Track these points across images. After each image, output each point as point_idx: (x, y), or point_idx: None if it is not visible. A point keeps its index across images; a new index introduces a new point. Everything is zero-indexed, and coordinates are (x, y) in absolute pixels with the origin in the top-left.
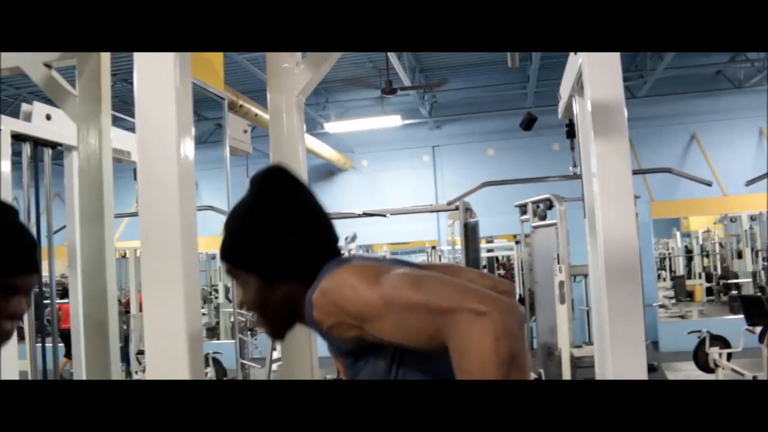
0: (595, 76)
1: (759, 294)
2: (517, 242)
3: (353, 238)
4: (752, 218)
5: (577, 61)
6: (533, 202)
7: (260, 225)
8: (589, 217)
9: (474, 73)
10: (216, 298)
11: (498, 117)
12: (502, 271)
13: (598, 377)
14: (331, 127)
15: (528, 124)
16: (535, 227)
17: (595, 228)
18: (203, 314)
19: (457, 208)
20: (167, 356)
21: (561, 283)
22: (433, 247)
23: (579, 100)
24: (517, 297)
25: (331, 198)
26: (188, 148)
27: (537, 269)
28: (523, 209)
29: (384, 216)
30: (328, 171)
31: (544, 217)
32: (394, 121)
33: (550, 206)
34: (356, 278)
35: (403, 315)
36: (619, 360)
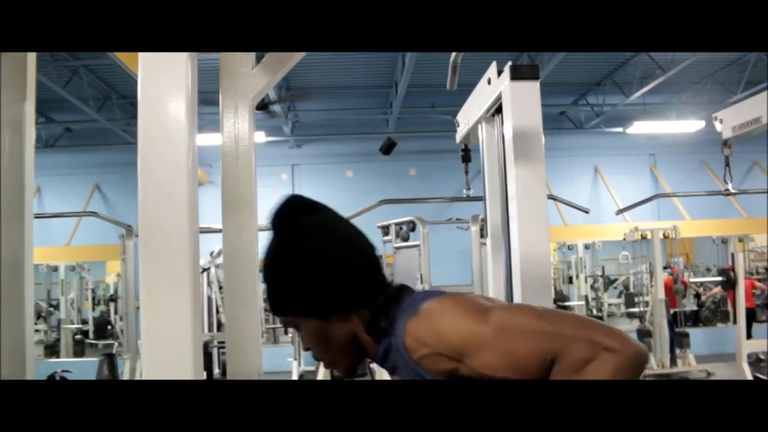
0: (517, 103)
1: (599, 314)
2: None
3: (219, 254)
4: (586, 247)
5: (495, 88)
6: (396, 224)
7: (302, 265)
8: (494, 237)
9: (337, 96)
10: (56, 311)
11: (358, 140)
12: None
13: None
14: None
15: (387, 148)
16: (398, 248)
17: (502, 247)
18: (36, 331)
19: None
20: (169, 365)
21: None
22: None
23: (487, 126)
24: None
25: None
26: (195, 147)
27: None
28: (385, 230)
29: None
30: None
31: (406, 239)
32: (258, 137)
33: (413, 228)
34: (463, 309)
35: (514, 341)
36: None
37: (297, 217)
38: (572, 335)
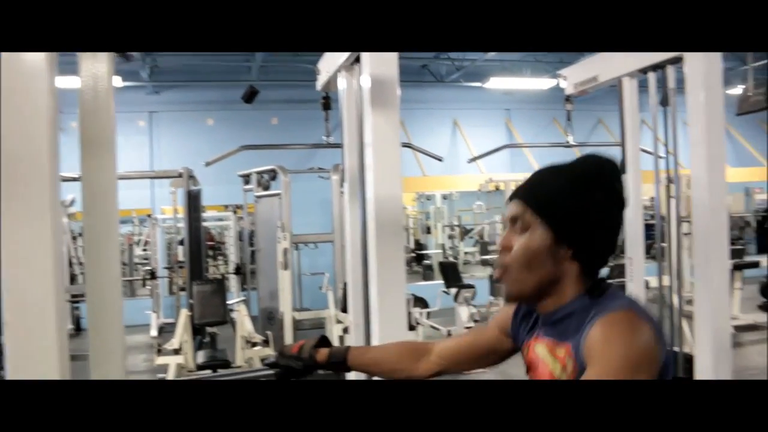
0: (375, 55)
1: (454, 260)
2: (234, 212)
3: (72, 202)
4: (444, 197)
5: None
6: (258, 172)
7: (595, 196)
8: (351, 184)
9: None
10: None
11: (219, 87)
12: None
13: (354, 329)
14: None
15: (249, 96)
16: (259, 197)
17: (358, 193)
18: None
19: (180, 175)
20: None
21: (285, 251)
22: (149, 216)
23: (347, 75)
24: (234, 266)
25: None
26: (55, 90)
27: (260, 238)
28: (246, 179)
29: None
30: None
31: (267, 187)
32: (113, 81)
33: (275, 177)
34: (651, 351)
35: None
36: (385, 302)
37: (618, 176)
38: None
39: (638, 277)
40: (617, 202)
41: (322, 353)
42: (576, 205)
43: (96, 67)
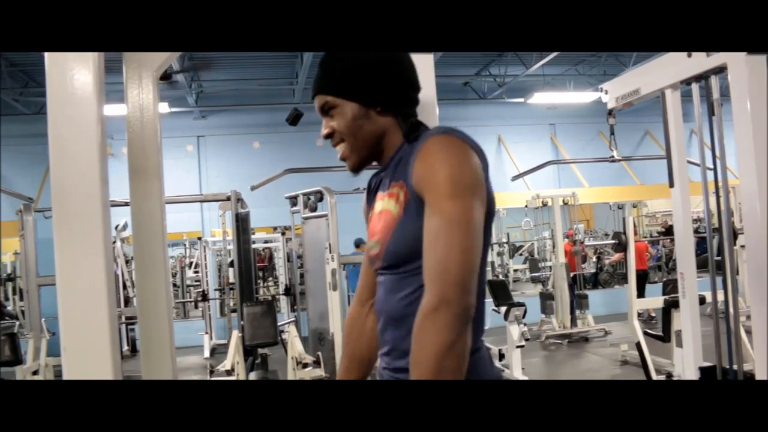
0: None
1: (504, 278)
2: (282, 234)
3: (125, 227)
4: None
5: None
6: (304, 194)
7: (380, 58)
8: None
9: (242, 66)
10: None
11: (264, 111)
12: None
13: None
14: None
15: (294, 119)
16: (306, 218)
17: None
18: None
19: (228, 198)
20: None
21: (333, 271)
22: (199, 238)
23: None
24: (283, 287)
25: None
26: (103, 118)
27: (308, 259)
28: (293, 201)
29: None
30: None
31: (314, 209)
32: (161, 108)
33: (321, 198)
34: (476, 171)
35: (450, 235)
36: None
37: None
38: (462, 288)
39: (691, 292)
40: (408, 60)
41: None
42: (359, 70)
43: (142, 97)
